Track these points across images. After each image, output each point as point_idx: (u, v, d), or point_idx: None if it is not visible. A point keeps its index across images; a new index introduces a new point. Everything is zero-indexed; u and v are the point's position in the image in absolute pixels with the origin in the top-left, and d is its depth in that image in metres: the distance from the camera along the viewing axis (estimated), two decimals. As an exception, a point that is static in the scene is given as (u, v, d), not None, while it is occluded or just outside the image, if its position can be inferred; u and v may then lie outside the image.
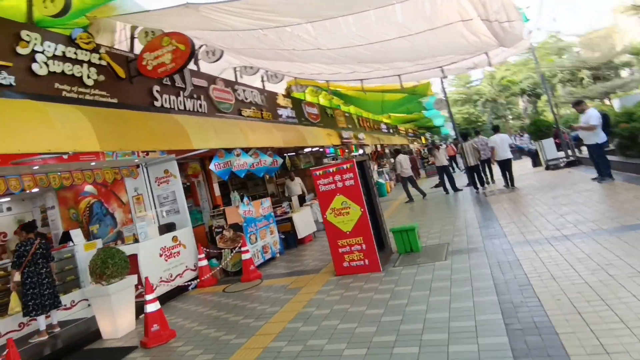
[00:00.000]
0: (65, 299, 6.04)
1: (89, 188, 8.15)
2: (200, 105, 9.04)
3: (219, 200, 9.70)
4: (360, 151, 17.25)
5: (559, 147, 13.93)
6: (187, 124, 6.73)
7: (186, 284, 7.01)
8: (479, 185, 11.60)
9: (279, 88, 13.67)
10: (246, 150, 8.58)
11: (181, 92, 8.52)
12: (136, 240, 6.41)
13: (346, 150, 14.72)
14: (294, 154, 14.01)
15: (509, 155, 10.92)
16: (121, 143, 5.28)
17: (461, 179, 14.92)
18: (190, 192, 9.54)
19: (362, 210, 5.73)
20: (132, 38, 7.83)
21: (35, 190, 6.40)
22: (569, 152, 13.29)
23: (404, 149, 28.23)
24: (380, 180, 16.09)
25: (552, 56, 31.07)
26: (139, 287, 6.28)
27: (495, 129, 11.96)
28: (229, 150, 7.92)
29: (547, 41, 34.22)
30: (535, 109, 37.41)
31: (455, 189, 12.50)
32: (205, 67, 10.20)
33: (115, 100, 6.87)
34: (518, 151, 19.70)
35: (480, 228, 6.86)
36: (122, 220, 7.94)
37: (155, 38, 7.19)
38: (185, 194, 9.99)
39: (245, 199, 7.68)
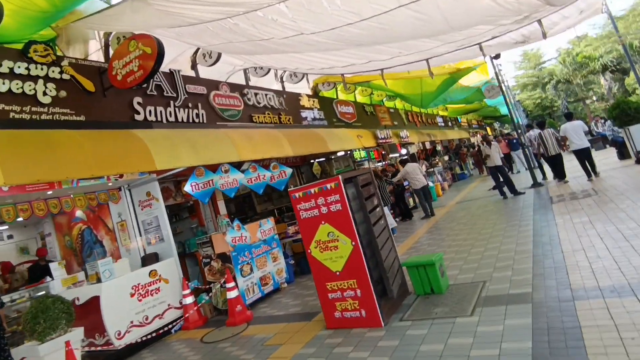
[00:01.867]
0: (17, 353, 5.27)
1: (79, 213, 7.51)
2: (197, 115, 8.06)
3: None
4: (403, 151, 15.37)
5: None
6: (152, 141, 5.69)
7: (168, 327, 5.98)
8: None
9: (303, 88, 12.39)
10: (238, 164, 7.42)
11: (172, 102, 7.60)
12: (99, 280, 5.49)
13: (383, 152, 13.01)
14: (323, 159, 12.62)
15: (585, 144, 9.55)
16: (37, 173, 4.32)
17: (519, 179, 12.52)
18: (195, 212, 8.59)
19: (353, 243, 4.22)
20: (107, 46, 7.02)
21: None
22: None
23: (463, 143, 25.50)
24: (429, 183, 14.11)
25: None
26: (102, 335, 5.35)
27: (568, 117, 9.93)
28: (215, 167, 6.78)
29: (635, 7, 29.14)
30: (622, 88, 31.57)
31: (515, 192, 10.28)
32: (209, 71, 9.24)
33: (81, 118, 6.05)
34: (601, 140, 16.45)
35: (534, 258, 4.97)
36: (110, 249, 7.18)
37: (123, 43, 6.27)
38: (189, 213, 9.16)
39: (236, 223, 6.49)
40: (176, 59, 8.79)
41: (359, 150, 11.63)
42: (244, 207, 12.39)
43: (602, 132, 16.50)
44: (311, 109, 12.29)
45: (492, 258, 5.42)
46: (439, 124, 25.17)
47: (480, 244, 6.33)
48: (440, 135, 20.67)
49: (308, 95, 12.41)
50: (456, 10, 4.59)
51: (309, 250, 4.52)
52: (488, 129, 39.22)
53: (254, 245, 6.65)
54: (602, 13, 9.20)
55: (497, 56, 10.93)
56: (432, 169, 16.51)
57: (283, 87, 11.73)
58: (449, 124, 27.88)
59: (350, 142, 11.15)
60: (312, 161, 12.20)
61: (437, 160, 17.86)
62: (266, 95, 10.35)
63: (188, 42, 6.96)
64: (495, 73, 11.83)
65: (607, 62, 31.57)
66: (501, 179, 10.42)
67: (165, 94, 7.46)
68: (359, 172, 4.71)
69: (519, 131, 12.41)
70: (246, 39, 5.76)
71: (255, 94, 9.98)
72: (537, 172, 11.65)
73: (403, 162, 11.43)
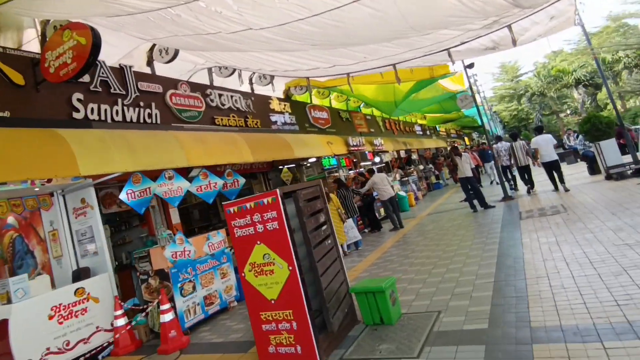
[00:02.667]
0: None
1: (11, 220, 6.75)
2: (150, 115, 7.44)
3: (176, 230, 8.00)
4: (377, 159, 14.99)
5: (624, 149, 10.91)
6: (80, 143, 5.05)
7: (93, 353, 5.31)
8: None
9: (276, 91, 11.83)
10: (184, 170, 6.83)
11: (120, 100, 6.96)
12: (9, 300, 4.80)
13: (354, 160, 12.58)
14: (294, 165, 12.09)
15: (554, 156, 9.55)
16: None
17: (491, 191, 12.30)
18: (146, 220, 7.91)
19: (290, 268, 3.69)
20: (43, 35, 6.34)
21: None
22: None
23: (440, 152, 25.38)
24: (401, 193, 13.74)
25: (617, 38, 26.57)
26: (9, 365, 4.65)
27: (539, 130, 9.84)
28: (158, 173, 6.15)
29: (609, 24, 29.73)
30: (594, 102, 32.05)
31: (485, 205, 9.97)
32: (169, 69, 8.62)
33: (6, 114, 5.38)
34: (573, 153, 16.45)
35: (495, 284, 4.54)
36: (42, 261, 6.45)
37: (57, 32, 5.63)
38: (140, 221, 8.48)
39: (179, 236, 5.88)
40: (131, 54, 8.15)
41: (329, 158, 11.16)
42: (209, 214, 11.74)
43: (574, 146, 16.51)
44: (282, 113, 11.77)
45: (452, 282, 4.98)
46: (417, 132, 25.01)
47: (443, 264, 5.90)
48: (417, 144, 20.43)
49: (279, 99, 11.89)
50: (413, 7, 4.14)
51: (242, 274, 3.97)
52: (466, 139, 39.47)
53: (199, 261, 6.05)
54: (574, 25, 9.03)
55: (471, 65, 10.67)
56: (406, 178, 16.20)
57: (252, 89, 11.18)
58: (427, 132, 27.79)
59: (319, 148, 10.66)
60: (280, 167, 11.65)
61: (412, 169, 17.56)
62: (232, 96, 9.79)
63: (132, 34, 6.32)
64: (469, 83, 11.56)
65: (581, 76, 31.92)
66: (471, 191, 10.10)
67: (112, 90, 6.83)
68: (304, 185, 4.20)
69: (492, 142, 12.17)
70: (192, 33, 5.20)
71: (220, 95, 9.41)
72: (507, 184, 11.39)
73: (371, 172, 11.02)
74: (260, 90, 11.42)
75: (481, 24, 5.12)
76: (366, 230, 11.05)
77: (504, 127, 40.89)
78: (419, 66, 7.59)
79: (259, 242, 3.85)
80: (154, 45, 8.03)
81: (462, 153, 10.26)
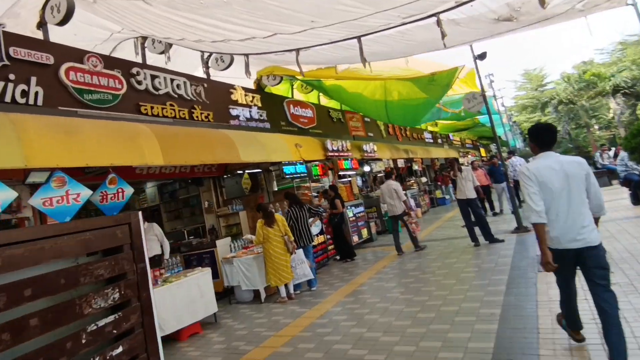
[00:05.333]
0: None
1: None
2: (26, 93, 5.42)
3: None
4: (367, 168, 12.70)
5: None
6: None
7: None
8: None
9: (246, 80, 9.68)
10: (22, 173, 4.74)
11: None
12: None
13: (330, 169, 10.33)
14: (259, 170, 9.92)
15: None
16: None
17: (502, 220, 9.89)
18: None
19: None
20: None
21: None
22: None
23: (450, 164, 22.83)
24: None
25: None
26: None
27: (511, 153, 7.46)
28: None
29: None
30: (634, 115, 28.14)
31: (491, 239, 7.64)
32: (78, 38, 6.63)
33: None
34: (607, 174, 13.81)
35: None
36: None
37: None
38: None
39: None
40: (16, 13, 6.18)
41: (297, 164, 8.99)
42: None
43: (608, 165, 13.88)
44: (248, 106, 9.63)
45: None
46: (427, 140, 22.56)
47: (409, 345, 3.66)
48: (422, 153, 18.03)
49: (246, 89, 9.77)
50: None
51: None
52: (482, 150, 36.64)
53: None
54: (626, 4, 6.68)
55: (483, 55, 8.34)
56: (404, 192, 13.88)
57: (207, 73, 9.06)
58: (439, 141, 25.29)
59: (280, 152, 8.47)
60: (240, 172, 9.50)
61: (412, 181, 15.22)
62: (172, 80, 7.68)
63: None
64: (479, 80, 9.21)
65: (620, 82, 26.96)
66: (473, 218, 7.78)
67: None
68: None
69: (505, 156, 9.78)
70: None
71: (154, 77, 7.31)
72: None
73: (334, 189, 8.85)
74: (221, 76, 9.34)
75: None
76: (337, 258, 8.82)
77: (524, 139, 37.88)
78: (398, 39, 5.22)
79: None
80: (46, 1, 6.01)
81: (463, 168, 7.94)
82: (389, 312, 4.75)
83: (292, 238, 6.20)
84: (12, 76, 5.31)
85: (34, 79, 5.56)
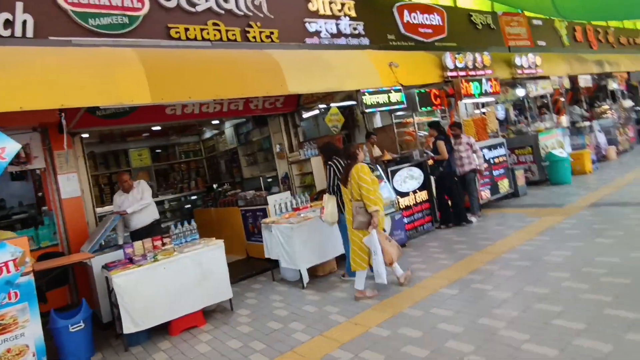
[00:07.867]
0: None
1: None
2: (9, 23, 4.54)
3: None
4: (520, 92, 8.70)
5: None
6: None
7: None
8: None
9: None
10: None
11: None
12: None
13: (450, 95, 7.02)
14: (352, 102, 7.50)
15: None
16: None
17: None
18: (41, 189, 5.37)
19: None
20: None
21: None
22: None
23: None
24: (557, 153, 7.62)
25: None
26: None
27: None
28: None
29: None
30: None
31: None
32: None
33: None
34: None
35: None
36: None
37: None
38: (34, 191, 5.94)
39: None
40: None
41: (391, 92, 6.22)
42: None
43: None
44: (335, 17, 7.26)
45: None
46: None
47: None
48: (628, 65, 12.12)
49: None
50: None
51: None
52: None
53: None
54: None
55: None
56: (586, 124, 9.40)
57: (273, -20, 6.95)
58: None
59: (360, 77, 5.88)
60: (322, 106, 7.25)
61: (605, 106, 10.32)
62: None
63: None
64: None
65: None
66: None
67: None
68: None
69: None
70: None
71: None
72: None
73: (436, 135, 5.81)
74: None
75: None
76: (441, 226, 6.04)
77: None
78: None
79: None
80: None
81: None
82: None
83: (372, 207, 3.84)
84: (-11, 1, 4.41)
85: (19, 5, 4.59)
